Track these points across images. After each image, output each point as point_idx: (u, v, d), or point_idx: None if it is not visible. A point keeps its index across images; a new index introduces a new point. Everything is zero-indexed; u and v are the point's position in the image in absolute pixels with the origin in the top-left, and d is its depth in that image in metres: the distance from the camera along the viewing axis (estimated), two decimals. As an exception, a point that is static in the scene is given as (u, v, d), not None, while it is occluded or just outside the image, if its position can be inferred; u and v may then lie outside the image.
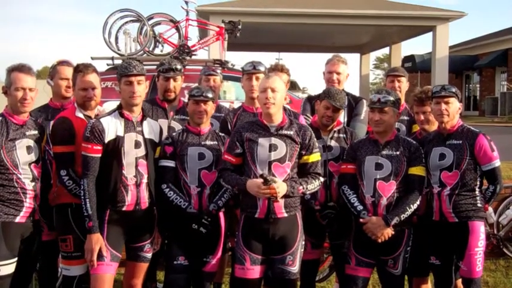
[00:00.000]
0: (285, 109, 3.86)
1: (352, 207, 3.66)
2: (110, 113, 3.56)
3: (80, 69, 3.66)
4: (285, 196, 3.42)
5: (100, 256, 3.40)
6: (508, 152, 6.48)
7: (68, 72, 3.92)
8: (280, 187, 3.35)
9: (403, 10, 21.16)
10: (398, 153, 3.65)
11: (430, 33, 21.93)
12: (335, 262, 4.25)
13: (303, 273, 3.79)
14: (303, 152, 3.55)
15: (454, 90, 3.70)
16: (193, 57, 7.84)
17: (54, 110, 3.96)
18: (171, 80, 4.14)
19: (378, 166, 3.64)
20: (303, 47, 28.47)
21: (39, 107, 4.00)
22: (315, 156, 3.58)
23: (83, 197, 3.38)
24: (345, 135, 3.99)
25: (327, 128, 3.96)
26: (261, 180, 3.32)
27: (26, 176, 3.41)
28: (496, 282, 5.31)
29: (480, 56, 26.34)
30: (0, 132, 3.34)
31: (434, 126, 3.96)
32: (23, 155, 3.40)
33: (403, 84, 4.78)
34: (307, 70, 77.66)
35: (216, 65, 7.23)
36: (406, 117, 4.61)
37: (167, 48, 7.97)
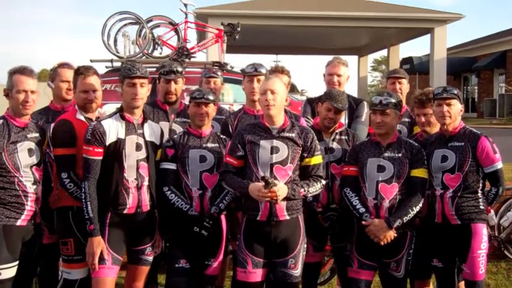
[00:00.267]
0: (286, 111, 3.85)
1: (354, 209, 3.64)
2: (110, 116, 3.54)
3: (81, 72, 3.66)
4: (286, 199, 3.40)
5: (101, 259, 3.38)
6: (507, 154, 6.46)
7: (69, 74, 3.92)
8: (281, 190, 3.33)
9: (401, 12, 21.25)
10: (400, 155, 3.64)
11: (428, 35, 22.03)
12: (337, 265, 4.23)
13: (305, 276, 3.77)
14: (305, 155, 3.53)
15: (455, 91, 3.68)
16: (192, 59, 7.84)
17: (54, 113, 3.95)
18: (172, 82, 4.14)
19: (380, 168, 3.62)
20: (301, 49, 28.54)
21: (40, 109, 3.98)
22: (317, 159, 3.57)
23: (84, 200, 3.36)
24: (346, 137, 3.98)
25: (328, 130, 3.94)
26: (262, 183, 3.30)
27: (28, 179, 3.39)
28: (497, 285, 5.30)
29: (478, 58, 26.42)
30: (1, 135, 3.32)
31: (435, 128, 3.95)
32: (25, 157, 3.38)
33: (404, 86, 4.78)
34: (306, 72, 77.89)
35: (215, 67, 7.23)
36: (407, 119, 4.59)
37: (166, 51, 7.99)
